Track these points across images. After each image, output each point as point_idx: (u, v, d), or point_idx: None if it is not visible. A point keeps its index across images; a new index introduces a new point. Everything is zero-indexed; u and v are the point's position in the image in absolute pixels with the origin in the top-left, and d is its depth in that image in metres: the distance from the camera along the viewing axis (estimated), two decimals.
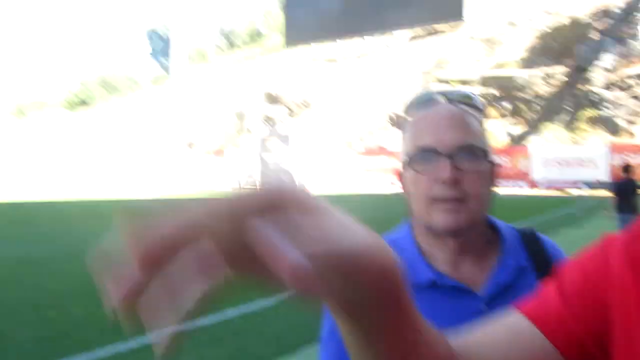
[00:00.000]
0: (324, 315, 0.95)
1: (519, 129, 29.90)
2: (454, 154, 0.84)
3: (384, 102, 34.19)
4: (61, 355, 3.24)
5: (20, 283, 5.18)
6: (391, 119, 33.24)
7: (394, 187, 22.40)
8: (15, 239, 8.49)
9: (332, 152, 32.58)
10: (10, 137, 52.94)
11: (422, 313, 0.79)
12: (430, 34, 41.42)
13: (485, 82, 31.14)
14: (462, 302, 0.87)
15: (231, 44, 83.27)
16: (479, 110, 0.92)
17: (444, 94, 0.92)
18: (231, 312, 4.22)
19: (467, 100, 0.91)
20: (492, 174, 0.89)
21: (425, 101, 0.92)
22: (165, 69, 78.35)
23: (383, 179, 29.53)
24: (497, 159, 0.91)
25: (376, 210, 16.19)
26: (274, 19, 74.07)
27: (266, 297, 4.67)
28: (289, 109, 41.41)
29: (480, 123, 0.90)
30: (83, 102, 78.18)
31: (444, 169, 0.83)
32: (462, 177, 0.83)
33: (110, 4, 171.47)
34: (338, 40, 34.49)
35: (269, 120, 40.46)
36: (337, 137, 33.98)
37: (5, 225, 10.83)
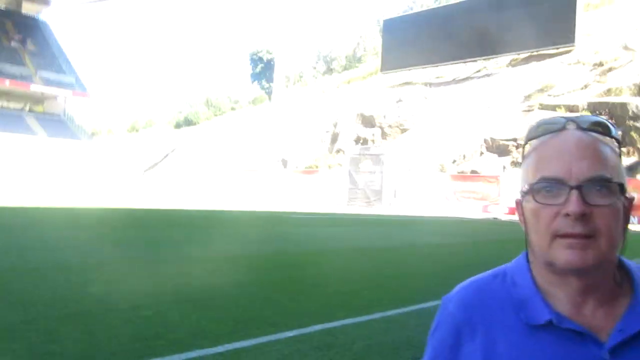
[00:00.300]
0: (428, 344, 0.91)
1: (630, 159, 27.70)
2: (584, 185, 0.77)
3: (480, 126, 33.16)
4: (154, 355, 3.39)
5: (123, 283, 5.52)
6: (486, 143, 32.12)
7: (486, 213, 21.42)
8: (123, 242, 9.11)
9: (425, 174, 32.10)
10: (124, 150, 57.51)
11: (534, 355, 0.78)
12: (532, 57, 39.78)
13: (594, 109, 29.20)
14: (581, 349, 0.79)
15: (328, 68, 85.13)
16: (614, 139, 0.84)
17: (573, 119, 0.84)
18: (316, 327, 4.22)
19: (600, 128, 0.83)
20: (626, 209, 0.81)
21: (551, 126, 0.84)
22: (264, 90, 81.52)
23: (474, 204, 28.66)
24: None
25: (467, 236, 15.65)
26: (372, 43, 74.84)
27: (353, 316, 4.63)
28: (383, 131, 41.38)
29: (616, 153, 0.82)
30: (189, 121, 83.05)
31: (572, 202, 0.76)
32: (592, 211, 0.76)
33: (215, 31, 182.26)
34: (433, 66, 33.86)
35: (362, 141, 40.68)
36: (430, 160, 33.38)
37: (114, 230, 11.66)
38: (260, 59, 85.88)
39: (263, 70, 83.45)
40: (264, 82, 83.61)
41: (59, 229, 11.18)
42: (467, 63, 45.01)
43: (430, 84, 45.87)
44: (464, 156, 33.02)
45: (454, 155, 33.48)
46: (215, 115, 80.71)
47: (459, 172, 31.65)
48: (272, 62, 73.58)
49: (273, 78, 65.72)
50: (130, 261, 7.14)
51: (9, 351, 3.31)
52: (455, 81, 45.02)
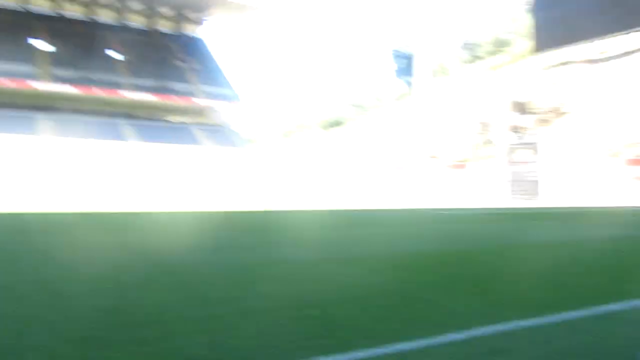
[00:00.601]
0: None
1: None
2: None
3: None
4: (323, 353, 3.41)
5: (291, 282, 5.73)
6: None
7: None
8: (287, 242, 9.56)
9: (592, 161, 29.11)
10: (279, 154, 60.95)
11: None
12: None
13: None
14: None
15: (474, 55, 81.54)
16: None
17: None
18: (487, 329, 3.96)
19: None
20: None
21: None
22: (409, 85, 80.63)
23: None
24: None
25: None
26: (520, 25, 70.05)
27: (527, 318, 4.28)
28: (539, 117, 38.46)
29: None
30: (337, 123, 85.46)
31: None
32: None
33: (359, 31, 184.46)
34: (596, 40, 30.57)
35: (516, 129, 38.23)
36: (597, 145, 30.20)
37: (277, 231, 12.33)
38: (404, 54, 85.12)
39: (407, 65, 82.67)
40: (408, 78, 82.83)
41: (229, 230, 12.08)
42: (633, 33, 39.97)
43: (593, 61, 41.55)
44: None
45: (627, 137, 29.90)
46: (362, 114, 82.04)
47: (636, 156, 28.09)
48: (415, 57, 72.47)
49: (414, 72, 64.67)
50: (296, 260, 7.42)
51: (196, 344, 3.59)
52: (623, 54, 40.24)
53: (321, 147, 64.70)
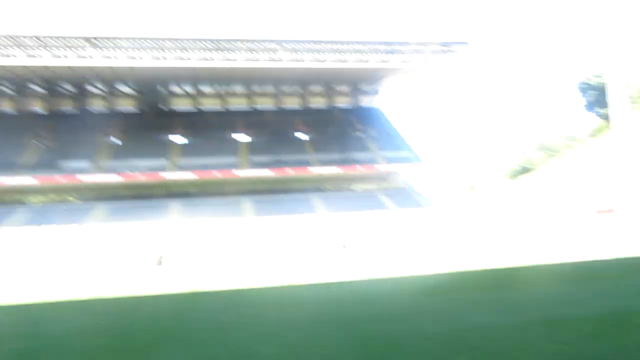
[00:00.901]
0: None
1: None
2: None
3: None
4: None
5: (487, 349, 5.47)
6: None
7: None
8: (483, 306, 9.11)
9: None
10: (464, 208, 59.30)
11: None
12: None
13: None
14: None
15: None
16: None
17: None
18: None
19: None
20: None
21: None
22: (603, 118, 73.29)
23: None
24: None
25: None
26: None
27: None
28: None
29: None
30: (525, 169, 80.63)
31: None
32: None
33: (538, 70, 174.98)
34: None
35: None
36: None
37: (471, 292, 11.81)
38: (590, 86, 78.15)
39: (597, 97, 75.49)
40: (600, 110, 75.37)
41: (414, 295, 11.91)
42: None
43: None
44: None
45: None
46: (551, 157, 76.28)
47: None
48: (604, 86, 66.15)
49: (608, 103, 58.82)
50: (493, 326, 7.05)
51: None
52: None
53: (511, 197, 61.20)
